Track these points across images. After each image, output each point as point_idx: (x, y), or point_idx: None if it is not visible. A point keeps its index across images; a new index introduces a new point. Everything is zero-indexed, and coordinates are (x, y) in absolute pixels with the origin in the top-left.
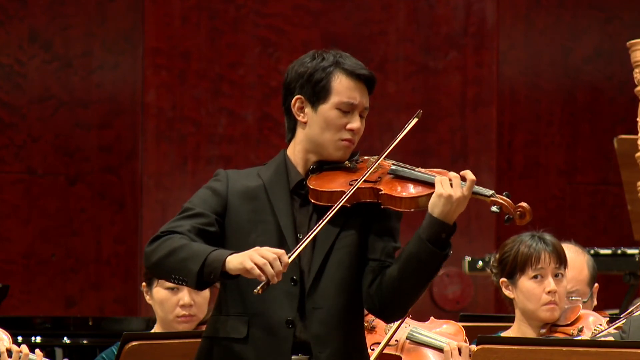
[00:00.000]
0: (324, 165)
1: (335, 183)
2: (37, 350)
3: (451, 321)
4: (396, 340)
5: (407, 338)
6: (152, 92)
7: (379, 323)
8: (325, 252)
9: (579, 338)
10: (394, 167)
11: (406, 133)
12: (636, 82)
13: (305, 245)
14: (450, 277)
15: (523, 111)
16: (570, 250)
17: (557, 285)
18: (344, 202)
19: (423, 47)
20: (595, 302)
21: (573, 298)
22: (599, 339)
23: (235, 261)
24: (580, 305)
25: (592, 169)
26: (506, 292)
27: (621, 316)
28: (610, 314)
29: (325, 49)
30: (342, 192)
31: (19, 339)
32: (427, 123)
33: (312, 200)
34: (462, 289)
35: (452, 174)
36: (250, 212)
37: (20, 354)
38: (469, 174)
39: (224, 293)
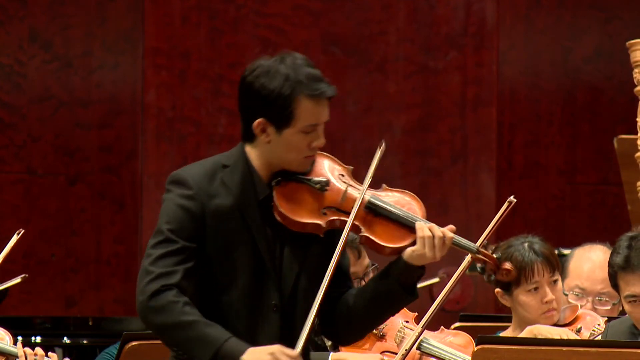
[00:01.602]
0: (287, 175)
1: (306, 210)
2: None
3: (461, 332)
4: (406, 350)
5: (417, 348)
6: (152, 92)
7: (389, 331)
8: (295, 277)
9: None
10: (371, 202)
11: (376, 165)
12: (636, 82)
13: (278, 273)
14: (450, 277)
15: (523, 111)
16: (605, 252)
17: (553, 292)
18: (316, 231)
19: (423, 47)
20: (621, 307)
21: (603, 299)
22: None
23: None
24: (579, 305)
25: (592, 169)
26: (502, 301)
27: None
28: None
29: (285, 55)
30: (318, 225)
31: (19, 339)
32: (427, 123)
33: (279, 219)
34: (462, 289)
35: (431, 230)
36: (227, 233)
37: (35, 357)
38: (447, 234)
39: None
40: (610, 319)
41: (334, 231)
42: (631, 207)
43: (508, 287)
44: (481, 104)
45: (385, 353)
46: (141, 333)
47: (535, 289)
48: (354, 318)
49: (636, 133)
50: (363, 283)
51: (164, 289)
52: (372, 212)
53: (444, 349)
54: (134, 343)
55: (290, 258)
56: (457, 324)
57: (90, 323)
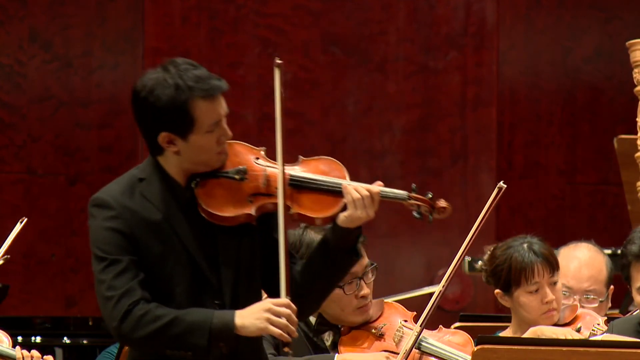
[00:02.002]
0: (203, 175)
1: (232, 203)
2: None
3: (460, 331)
4: (407, 350)
5: (416, 348)
6: None
7: (387, 330)
8: (234, 268)
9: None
10: (293, 177)
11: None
12: (636, 82)
13: (215, 269)
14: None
15: (523, 111)
16: (590, 250)
17: (553, 292)
18: (249, 220)
19: (423, 47)
20: (609, 304)
21: (590, 297)
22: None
23: (253, 327)
24: (579, 305)
25: (592, 169)
26: (502, 302)
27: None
28: (610, 314)
29: (168, 65)
30: (248, 215)
31: (19, 339)
32: (427, 123)
33: (208, 219)
34: (462, 289)
35: (357, 191)
36: (158, 244)
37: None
38: (373, 190)
39: None
40: (610, 319)
41: (267, 215)
42: (631, 207)
43: (508, 288)
44: (481, 104)
45: (384, 353)
46: None
47: (536, 290)
48: (306, 293)
49: (636, 133)
50: (362, 283)
51: (131, 307)
52: (297, 187)
53: (443, 348)
54: None
55: (227, 255)
56: (457, 324)
57: (90, 323)
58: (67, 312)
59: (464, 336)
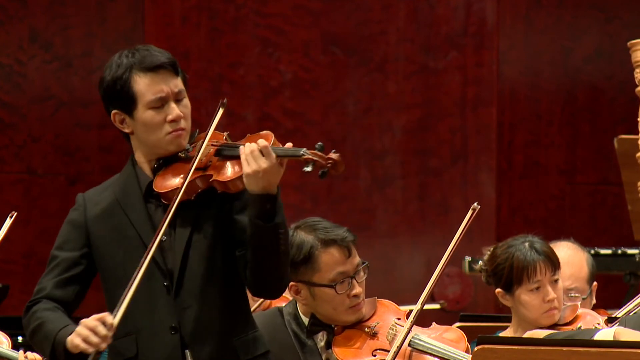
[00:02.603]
0: (165, 161)
1: (173, 180)
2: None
3: (453, 327)
4: (397, 347)
5: (409, 345)
6: None
7: (381, 329)
8: (183, 251)
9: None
10: (219, 147)
11: (217, 121)
12: (637, 82)
13: (157, 251)
14: (450, 277)
15: (523, 111)
16: (570, 247)
17: (554, 290)
18: (184, 198)
19: (423, 47)
20: (594, 301)
21: (572, 295)
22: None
23: (70, 342)
24: (579, 304)
25: (592, 169)
26: (503, 301)
27: (620, 316)
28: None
29: (127, 49)
30: (177, 190)
31: (19, 339)
32: (427, 123)
33: (164, 202)
34: (462, 289)
35: (249, 147)
36: (112, 232)
37: None
38: (260, 143)
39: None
40: (610, 319)
41: (230, 197)
42: (631, 207)
43: (509, 287)
44: (481, 104)
45: (378, 351)
46: None
47: (537, 288)
48: (252, 270)
49: (636, 133)
50: (354, 282)
51: (29, 304)
52: (222, 155)
53: (435, 345)
54: None
55: (177, 238)
56: (458, 324)
57: None
58: None
59: (456, 332)
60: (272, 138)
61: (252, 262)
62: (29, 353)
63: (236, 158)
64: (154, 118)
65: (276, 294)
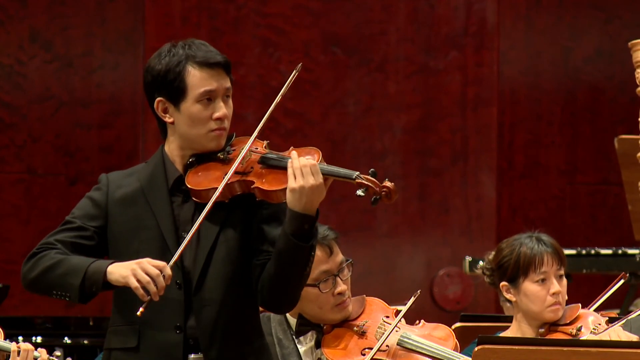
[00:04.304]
0: (199, 158)
1: (209, 179)
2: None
3: (441, 325)
4: (387, 346)
5: (398, 344)
6: None
7: (369, 327)
8: (209, 250)
9: (580, 338)
10: (264, 155)
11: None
12: (637, 82)
13: (184, 248)
14: (450, 277)
15: (523, 111)
16: None
17: (559, 285)
18: (219, 199)
19: (423, 47)
20: (566, 297)
21: None
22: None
23: (117, 274)
24: (580, 305)
25: (592, 169)
26: (507, 296)
27: (622, 317)
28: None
29: (180, 41)
30: (214, 190)
31: (20, 339)
32: (428, 123)
33: (194, 199)
34: (462, 289)
35: (299, 161)
36: (132, 219)
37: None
38: (310, 161)
39: (114, 303)
40: (611, 319)
41: (256, 205)
42: (632, 207)
43: (515, 279)
44: (481, 104)
45: (367, 350)
46: None
47: (543, 279)
48: (271, 281)
49: (637, 133)
50: (338, 280)
51: (38, 250)
52: (266, 164)
53: (423, 343)
54: None
55: (203, 237)
56: (458, 324)
57: (90, 323)
58: (68, 312)
59: (445, 330)
60: (320, 156)
61: (274, 276)
62: (22, 343)
63: (281, 169)
64: (201, 112)
65: (285, 311)
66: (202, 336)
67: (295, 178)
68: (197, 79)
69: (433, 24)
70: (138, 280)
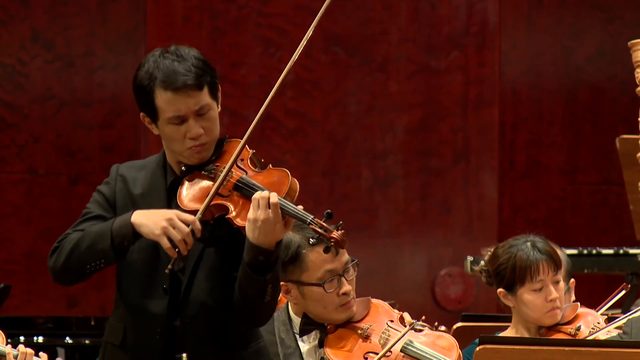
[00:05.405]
0: (189, 168)
1: (195, 197)
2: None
3: (446, 335)
4: (390, 352)
5: (401, 351)
6: None
7: (373, 331)
8: (195, 261)
9: (581, 337)
10: (239, 182)
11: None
12: (637, 82)
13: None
14: (452, 277)
15: (525, 111)
16: None
17: (556, 290)
18: (204, 219)
19: (425, 47)
20: (573, 297)
21: None
22: (600, 338)
23: (148, 230)
24: (579, 304)
25: (594, 169)
26: (505, 301)
27: (622, 316)
28: (612, 314)
29: (159, 50)
30: (196, 212)
31: (21, 339)
32: (429, 123)
33: None
34: (464, 289)
35: (260, 194)
36: None
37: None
38: (272, 196)
39: (116, 296)
40: (610, 318)
41: (225, 223)
42: (633, 207)
43: (512, 287)
44: (483, 103)
45: (370, 354)
46: None
47: (540, 288)
48: (237, 303)
49: (638, 133)
50: (343, 280)
51: (58, 243)
52: (241, 193)
53: (427, 352)
54: None
55: (194, 244)
56: (459, 324)
57: (92, 323)
58: (69, 312)
59: (449, 340)
60: (287, 186)
61: (238, 299)
62: (20, 346)
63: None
64: (174, 133)
65: (257, 327)
66: (190, 343)
67: (252, 209)
68: (164, 103)
69: (434, 24)
70: (170, 240)
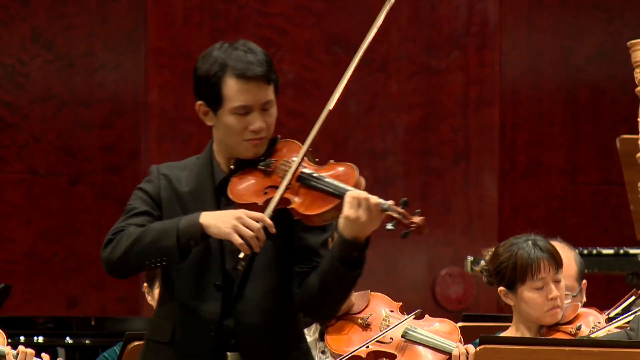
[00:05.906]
0: (241, 164)
1: (250, 191)
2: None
3: (446, 319)
4: (391, 338)
5: (402, 336)
6: (155, 91)
7: (374, 320)
8: (250, 257)
9: (582, 337)
10: (303, 173)
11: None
12: (637, 82)
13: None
14: (452, 276)
15: (525, 111)
16: (557, 246)
17: (557, 289)
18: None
19: (425, 47)
20: (584, 299)
21: None
22: (601, 338)
23: (217, 229)
24: (579, 304)
25: (594, 169)
26: (505, 300)
27: (622, 316)
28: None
29: (227, 43)
30: (255, 205)
31: (22, 339)
32: (429, 123)
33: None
34: (464, 289)
35: (358, 193)
36: (179, 215)
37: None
38: (372, 199)
39: (160, 294)
40: (610, 318)
41: (282, 216)
42: (634, 207)
43: (512, 285)
44: (483, 103)
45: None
46: (144, 333)
47: (541, 286)
48: (312, 297)
49: (638, 133)
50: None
51: (113, 235)
52: (304, 184)
53: (429, 336)
54: (136, 343)
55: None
56: (460, 324)
57: (92, 323)
58: (70, 312)
59: (450, 325)
60: (355, 176)
61: (315, 294)
62: (20, 346)
63: (321, 192)
64: (236, 124)
65: (320, 322)
66: (243, 341)
67: (351, 208)
68: (232, 92)
69: (435, 24)
70: (241, 236)
